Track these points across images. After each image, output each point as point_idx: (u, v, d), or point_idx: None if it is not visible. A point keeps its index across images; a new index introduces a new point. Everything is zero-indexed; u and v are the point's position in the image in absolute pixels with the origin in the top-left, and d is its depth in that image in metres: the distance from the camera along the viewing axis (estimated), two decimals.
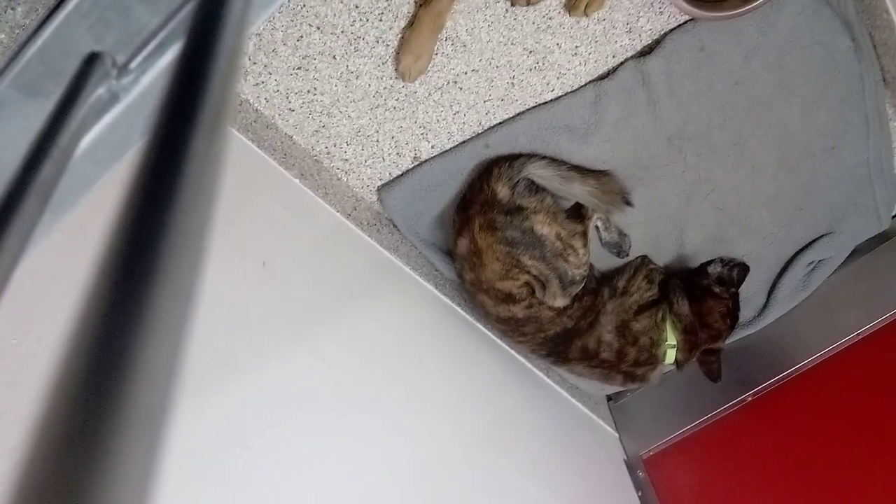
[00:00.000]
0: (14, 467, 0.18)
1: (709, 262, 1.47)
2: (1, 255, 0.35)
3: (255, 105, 1.31)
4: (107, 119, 0.51)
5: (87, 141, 0.51)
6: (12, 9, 0.85)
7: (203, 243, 0.28)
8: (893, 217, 1.56)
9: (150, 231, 0.26)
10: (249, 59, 1.26)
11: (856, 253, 1.56)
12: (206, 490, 0.71)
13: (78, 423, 0.20)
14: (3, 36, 0.86)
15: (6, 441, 0.53)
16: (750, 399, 1.53)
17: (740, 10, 1.20)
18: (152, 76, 0.50)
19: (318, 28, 1.24)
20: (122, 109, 0.51)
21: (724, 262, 1.47)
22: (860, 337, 1.46)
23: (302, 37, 1.24)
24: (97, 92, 0.46)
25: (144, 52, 0.48)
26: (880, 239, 1.56)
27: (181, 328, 0.24)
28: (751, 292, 1.55)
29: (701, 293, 1.43)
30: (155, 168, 0.30)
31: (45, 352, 0.63)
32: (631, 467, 1.59)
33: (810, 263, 1.54)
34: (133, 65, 0.49)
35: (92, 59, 0.45)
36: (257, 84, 1.29)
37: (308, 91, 1.30)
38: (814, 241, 1.52)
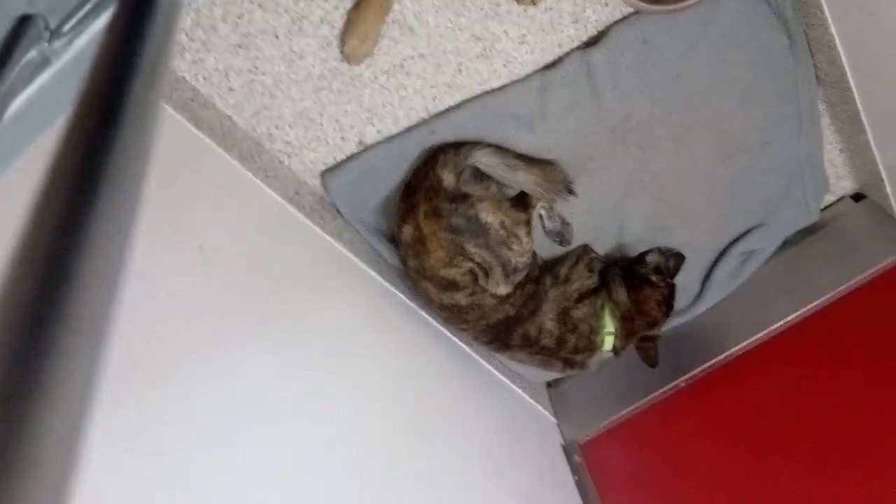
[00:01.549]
0: None
1: (647, 252, 1.51)
2: None
3: (193, 83, 1.26)
4: (38, 82, 0.49)
5: (18, 104, 0.49)
6: None
7: (132, 218, 0.26)
8: (822, 210, 1.63)
9: (78, 203, 0.24)
10: (187, 36, 1.21)
11: (786, 244, 1.63)
12: (132, 484, 0.68)
13: None
14: None
15: None
16: (683, 384, 1.58)
17: (682, 5, 1.23)
18: (85, 39, 0.47)
19: (260, 5, 1.20)
20: (53, 73, 0.49)
21: (661, 251, 1.50)
22: (788, 325, 1.52)
23: (243, 14, 1.20)
24: (29, 54, 0.44)
25: (78, 16, 0.46)
26: (809, 231, 1.62)
27: (101, 332, 0.23)
28: (686, 281, 1.60)
29: (639, 281, 1.46)
30: (85, 135, 0.28)
31: None
32: (568, 452, 1.62)
33: (743, 254, 1.59)
34: (66, 28, 0.47)
35: (23, 22, 0.42)
36: (195, 61, 1.24)
37: (249, 70, 1.26)
38: (747, 231, 1.58)
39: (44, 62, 0.51)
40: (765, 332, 1.54)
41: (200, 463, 0.77)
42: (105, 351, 0.22)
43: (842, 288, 1.49)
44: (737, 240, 1.58)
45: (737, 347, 1.55)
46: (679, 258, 1.50)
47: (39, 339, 0.20)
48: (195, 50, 1.23)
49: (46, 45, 0.49)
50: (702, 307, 1.62)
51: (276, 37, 1.23)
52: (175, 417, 0.77)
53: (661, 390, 1.59)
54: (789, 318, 1.52)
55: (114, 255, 0.25)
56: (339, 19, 1.23)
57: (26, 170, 0.59)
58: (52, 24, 0.49)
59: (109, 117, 0.29)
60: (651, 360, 1.51)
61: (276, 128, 1.35)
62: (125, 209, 0.27)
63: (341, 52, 1.26)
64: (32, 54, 0.49)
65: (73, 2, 0.49)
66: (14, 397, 0.19)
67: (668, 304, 1.49)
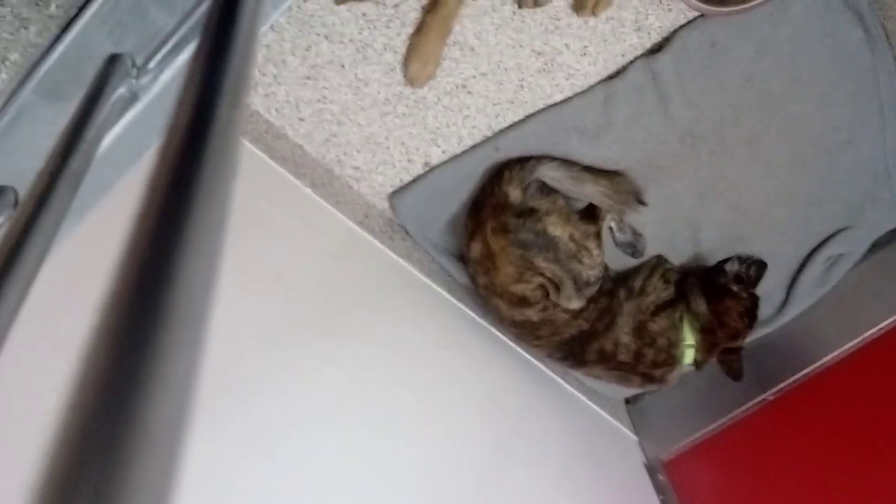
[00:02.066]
0: (33, 481, 0.18)
1: (726, 261, 1.46)
2: (35, 241, 0.35)
3: (266, 115, 1.31)
4: (128, 117, 0.52)
5: (109, 140, 0.52)
6: (25, 28, 0.86)
7: (219, 247, 0.28)
8: None
9: (168, 236, 0.26)
10: (259, 71, 1.27)
11: (875, 247, 1.54)
12: (225, 499, 0.70)
13: (96, 437, 0.19)
14: (17, 55, 0.87)
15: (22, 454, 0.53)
16: (771, 398, 1.51)
17: (750, 5, 1.20)
18: (170, 74, 0.50)
19: (326, 37, 1.24)
20: (142, 108, 0.52)
21: (741, 259, 1.45)
22: (882, 332, 1.44)
23: (310, 46, 1.25)
24: (119, 91, 0.47)
25: (162, 52, 0.49)
26: None
27: (199, 336, 0.24)
28: (769, 289, 1.53)
29: (718, 292, 1.41)
30: (173, 167, 0.30)
31: (61, 362, 0.63)
32: (651, 471, 1.57)
33: (829, 259, 1.52)
34: (151, 64, 0.50)
35: (112, 61, 0.46)
36: (267, 95, 1.29)
37: (317, 100, 1.31)
38: (832, 236, 1.51)
39: (132, 98, 0.54)
40: (856, 340, 1.45)
41: (278, 478, 0.79)
42: (203, 348, 0.24)
43: None
44: (822, 245, 1.51)
45: (827, 357, 1.47)
46: (761, 266, 1.44)
47: (147, 334, 0.22)
48: (267, 84, 1.28)
49: (134, 81, 0.53)
50: (787, 316, 1.55)
51: (343, 66, 1.27)
52: (253, 435, 0.79)
53: (747, 405, 1.52)
54: (882, 324, 1.44)
55: (210, 258, 0.26)
56: (401, 45, 1.26)
57: (120, 200, 0.62)
58: (139, 61, 0.53)
59: (201, 135, 0.30)
60: (735, 374, 1.45)
61: (345, 154, 1.38)
62: (217, 220, 0.28)
63: (405, 76, 1.28)
64: (122, 91, 0.52)
65: (158, 39, 0.53)
66: (126, 386, 0.20)
67: (750, 315, 1.43)
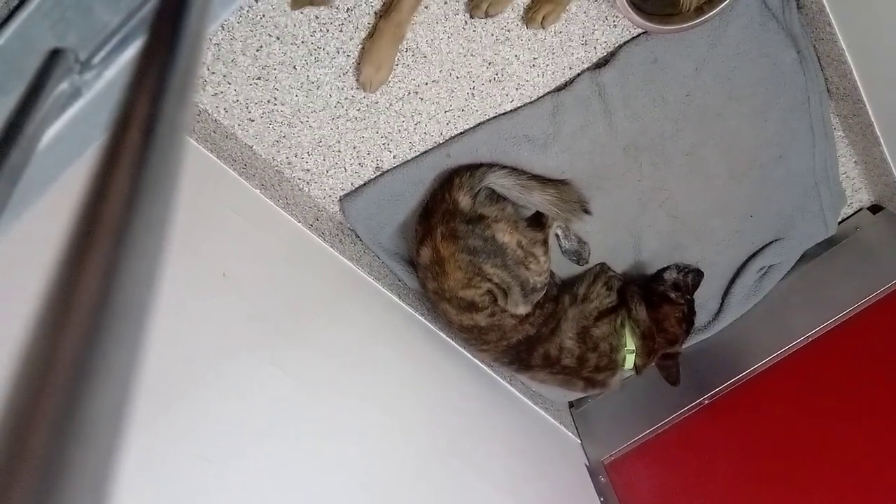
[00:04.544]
0: None
1: (665, 269, 1.51)
2: None
3: (214, 115, 1.30)
4: (70, 112, 0.51)
5: (50, 135, 0.51)
6: None
7: (162, 245, 0.28)
8: (839, 223, 1.62)
9: (110, 233, 0.26)
10: (208, 69, 1.25)
11: (804, 258, 1.62)
12: (163, 501, 0.69)
13: (34, 430, 0.20)
14: None
15: None
16: (706, 402, 1.56)
17: (690, 24, 1.25)
18: (115, 71, 0.50)
19: (279, 38, 1.23)
20: (85, 104, 0.51)
21: (679, 268, 1.51)
22: (810, 339, 1.51)
23: (262, 47, 1.24)
24: (61, 86, 0.46)
25: (106, 49, 0.49)
26: (827, 244, 1.62)
27: (139, 332, 0.24)
28: (705, 298, 1.60)
29: (658, 299, 1.46)
30: (116, 164, 0.30)
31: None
32: (593, 473, 1.61)
33: (761, 269, 1.59)
34: (95, 60, 0.49)
35: (55, 55, 0.45)
36: (216, 94, 1.28)
37: (268, 101, 1.30)
38: (764, 247, 1.58)
39: (75, 93, 0.53)
40: (786, 347, 1.52)
41: (221, 480, 0.78)
42: (145, 340, 0.24)
43: (862, 301, 1.48)
44: (755, 255, 1.58)
45: (759, 364, 1.54)
46: (697, 274, 1.50)
47: (87, 329, 0.22)
48: (216, 83, 1.27)
49: (77, 76, 0.52)
50: (722, 323, 1.61)
51: (294, 68, 1.27)
52: (194, 436, 0.79)
53: (684, 409, 1.58)
54: (810, 332, 1.51)
55: (152, 256, 0.27)
56: (354, 49, 1.27)
57: (62, 196, 0.61)
58: (83, 56, 0.52)
59: (145, 133, 0.31)
60: (672, 378, 1.50)
61: (296, 156, 1.38)
62: (161, 217, 0.29)
63: (357, 80, 1.29)
64: (64, 86, 0.51)
65: (103, 35, 0.52)
66: (66, 381, 0.21)
67: (687, 321, 1.48)
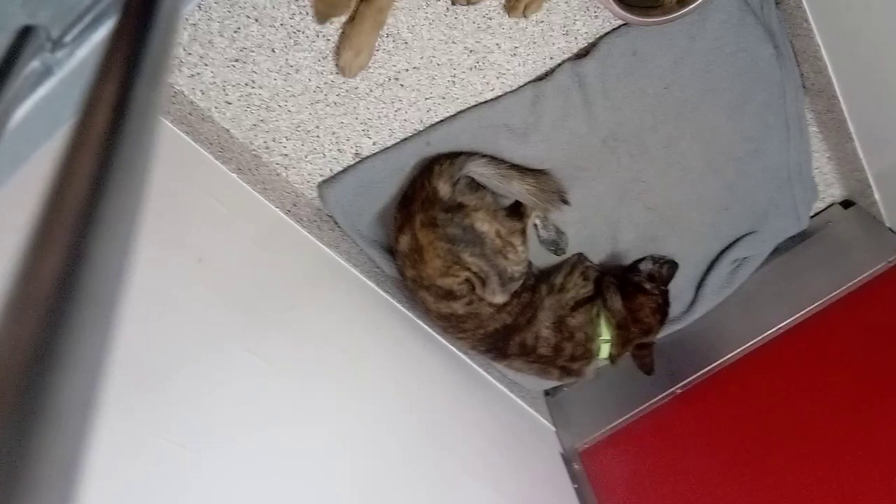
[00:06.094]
0: None
1: (640, 260, 1.53)
2: None
3: (190, 97, 1.28)
4: (41, 91, 0.50)
5: (20, 114, 0.50)
6: None
7: (134, 228, 0.28)
8: (812, 217, 1.65)
9: (81, 215, 0.26)
10: (184, 50, 1.23)
11: (777, 251, 1.65)
12: (141, 489, 0.69)
13: (2, 415, 0.19)
14: None
15: None
16: (679, 391, 1.59)
17: (670, 17, 1.26)
18: (87, 50, 0.49)
19: (257, 20, 1.22)
20: (56, 83, 0.50)
21: (654, 259, 1.52)
22: (781, 331, 1.54)
23: (239, 28, 1.22)
24: (31, 64, 0.45)
25: (79, 27, 0.47)
26: (800, 238, 1.65)
27: (110, 315, 0.24)
28: (679, 289, 1.62)
29: (633, 289, 1.48)
30: (88, 144, 0.29)
31: None
32: (567, 460, 1.62)
33: (735, 261, 1.61)
34: (68, 39, 0.48)
35: (26, 33, 0.44)
36: (192, 75, 1.26)
37: (246, 84, 1.28)
38: (738, 239, 1.60)
39: (46, 72, 0.52)
40: (758, 338, 1.55)
41: (199, 468, 0.78)
42: (115, 327, 0.24)
43: (833, 294, 1.51)
44: (729, 247, 1.60)
45: (731, 354, 1.57)
46: (672, 266, 1.52)
47: (57, 313, 0.22)
48: (193, 64, 1.24)
49: (49, 55, 0.51)
50: (696, 314, 1.64)
51: (273, 51, 1.25)
52: (172, 423, 0.78)
53: (657, 398, 1.60)
54: (781, 324, 1.54)
55: (124, 239, 0.27)
56: (334, 33, 1.25)
57: (31, 177, 0.60)
58: (54, 34, 0.50)
59: (117, 114, 0.30)
60: (647, 368, 1.52)
61: (274, 140, 1.36)
62: (133, 199, 0.28)
63: (337, 65, 1.28)
64: (35, 65, 0.50)
65: (75, 13, 0.51)
66: (36, 365, 0.20)
67: (662, 312, 1.50)
